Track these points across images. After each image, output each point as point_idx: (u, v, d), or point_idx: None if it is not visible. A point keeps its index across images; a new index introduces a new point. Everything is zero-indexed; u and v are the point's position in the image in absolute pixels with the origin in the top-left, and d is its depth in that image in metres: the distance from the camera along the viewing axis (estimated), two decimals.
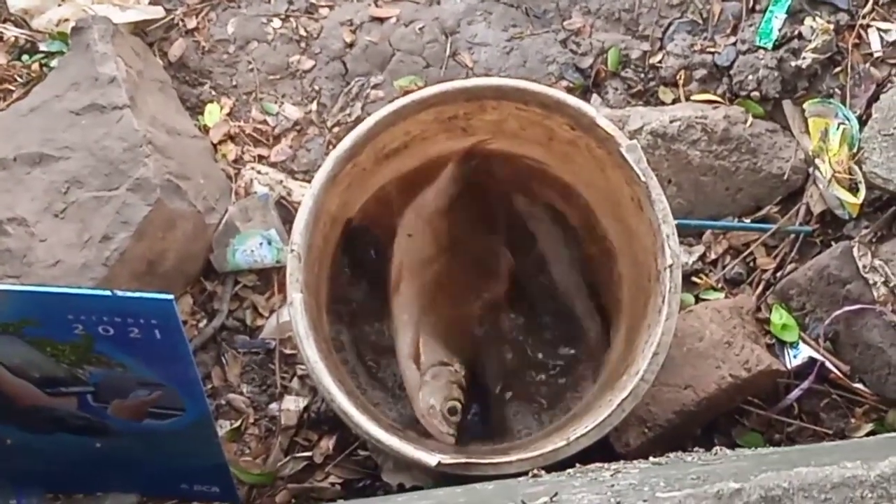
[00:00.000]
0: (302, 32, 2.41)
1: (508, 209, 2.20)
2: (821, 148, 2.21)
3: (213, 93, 2.39)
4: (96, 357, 1.72)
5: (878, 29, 2.31)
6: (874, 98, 2.24)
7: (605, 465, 1.60)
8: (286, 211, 2.24)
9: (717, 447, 1.71)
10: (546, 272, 2.19)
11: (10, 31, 2.42)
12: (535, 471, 1.66)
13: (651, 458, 1.65)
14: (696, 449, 1.72)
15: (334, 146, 2.00)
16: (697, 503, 1.16)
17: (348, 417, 1.80)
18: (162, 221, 2.09)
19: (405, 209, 2.14)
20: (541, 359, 2.16)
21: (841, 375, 2.10)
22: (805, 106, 2.27)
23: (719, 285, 2.22)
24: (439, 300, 2.10)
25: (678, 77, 2.34)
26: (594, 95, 2.36)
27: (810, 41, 2.28)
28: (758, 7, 2.35)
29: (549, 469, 1.69)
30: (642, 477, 1.37)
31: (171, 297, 1.64)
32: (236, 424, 2.15)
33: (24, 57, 2.40)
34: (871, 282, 2.09)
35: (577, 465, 1.65)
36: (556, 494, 1.28)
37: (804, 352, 2.11)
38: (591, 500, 1.21)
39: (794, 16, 2.31)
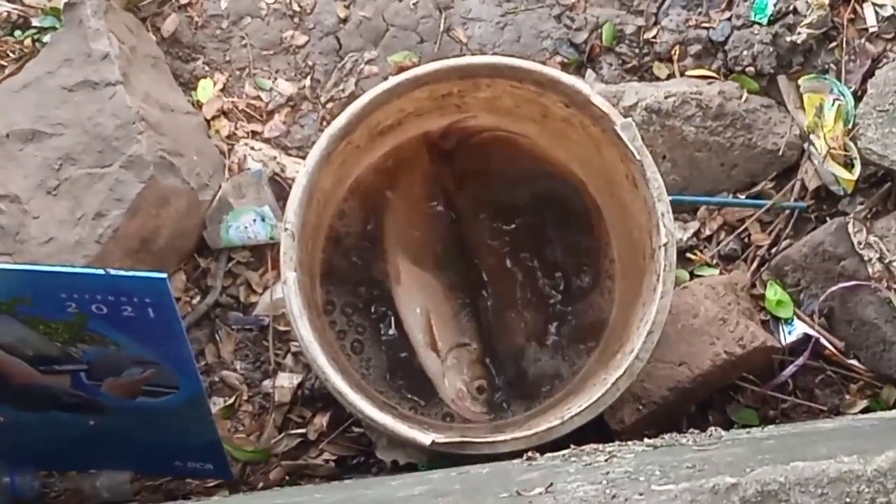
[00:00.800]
0: (295, 7, 2.39)
1: (502, 187, 2.19)
2: (816, 124, 2.20)
3: (207, 68, 2.37)
4: (90, 335, 1.73)
5: (874, 4, 2.30)
6: (869, 73, 2.24)
7: (600, 446, 1.59)
8: (280, 187, 2.23)
9: (712, 428, 1.70)
10: (542, 249, 2.18)
11: (3, 7, 2.39)
12: (530, 453, 1.66)
13: (646, 440, 1.65)
14: (691, 430, 1.72)
15: (328, 122, 2.00)
16: (693, 498, 1.16)
17: (342, 396, 1.80)
18: (155, 198, 2.08)
19: (391, 197, 2.14)
20: (543, 331, 2.15)
21: (836, 352, 2.11)
22: (800, 81, 2.26)
23: (714, 261, 2.22)
24: (443, 283, 2.10)
25: (673, 52, 2.33)
26: (589, 71, 2.35)
27: (805, 16, 2.26)
28: None
29: (544, 448, 1.70)
30: (637, 463, 1.37)
31: (164, 275, 1.65)
32: (230, 401, 2.15)
33: (17, 32, 2.38)
34: (865, 258, 2.09)
35: (572, 445, 1.65)
36: (551, 484, 1.29)
37: (799, 328, 2.12)
38: (587, 491, 1.21)
39: None
